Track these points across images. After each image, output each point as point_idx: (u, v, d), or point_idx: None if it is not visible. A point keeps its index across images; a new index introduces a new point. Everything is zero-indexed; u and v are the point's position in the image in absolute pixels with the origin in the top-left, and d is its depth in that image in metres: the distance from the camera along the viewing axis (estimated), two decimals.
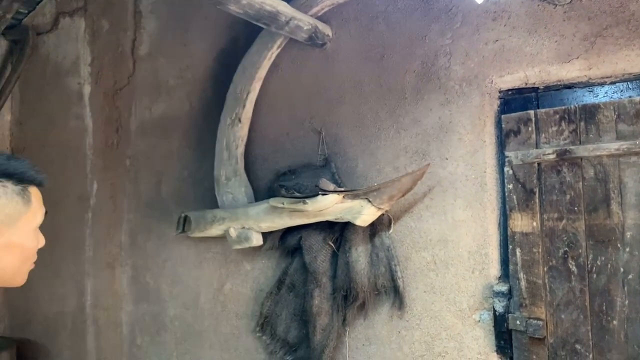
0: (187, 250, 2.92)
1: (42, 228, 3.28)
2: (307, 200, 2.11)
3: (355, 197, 2.08)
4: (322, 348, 2.28)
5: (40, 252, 3.61)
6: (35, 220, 1.16)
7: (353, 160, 2.39)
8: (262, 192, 2.62)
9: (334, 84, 2.48)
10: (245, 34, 2.73)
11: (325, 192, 2.09)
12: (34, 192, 1.14)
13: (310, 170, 2.47)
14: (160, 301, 3.02)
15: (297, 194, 2.31)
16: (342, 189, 2.15)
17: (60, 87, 3.66)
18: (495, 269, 2.04)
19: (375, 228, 2.26)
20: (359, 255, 2.24)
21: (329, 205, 2.11)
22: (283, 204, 2.21)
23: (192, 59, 2.99)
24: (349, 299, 2.25)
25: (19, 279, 1.11)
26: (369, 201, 2.05)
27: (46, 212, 1.25)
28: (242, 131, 2.63)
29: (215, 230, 2.59)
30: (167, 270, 3.00)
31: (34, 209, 1.13)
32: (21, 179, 1.06)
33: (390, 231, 2.25)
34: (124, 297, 3.18)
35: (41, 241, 1.23)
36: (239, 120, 2.62)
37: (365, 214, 2.08)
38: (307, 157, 2.53)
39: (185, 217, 2.77)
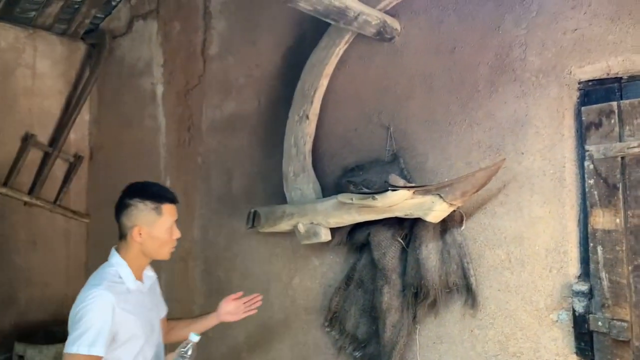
0: (257, 245, 2.98)
1: None
2: (377, 196, 2.10)
3: (426, 193, 2.05)
4: (392, 345, 2.27)
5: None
6: (165, 224, 1.89)
7: (422, 156, 2.35)
8: (329, 188, 2.62)
9: (402, 79, 2.45)
10: (312, 31, 2.74)
11: (395, 187, 2.07)
12: (166, 207, 1.89)
13: (378, 166, 2.45)
14: (231, 295, 3.09)
15: (366, 190, 2.31)
16: (412, 185, 2.13)
17: (135, 87, 3.83)
18: (574, 268, 1.96)
19: (447, 224, 2.21)
20: (430, 252, 2.20)
21: (399, 201, 2.09)
22: (352, 199, 2.21)
23: (261, 58, 3.04)
24: (420, 296, 2.22)
25: (162, 256, 1.95)
26: (441, 197, 2.01)
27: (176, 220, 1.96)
28: (310, 128, 2.65)
29: (284, 226, 2.62)
30: (238, 265, 3.08)
31: (164, 217, 1.88)
32: (156, 200, 1.87)
33: (462, 228, 2.20)
34: (196, 291, 3.29)
35: (176, 234, 1.96)
36: (307, 117, 2.64)
37: (436, 210, 2.04)
38: (375, 153, 2.51)
39: (255, 213, 2.83)
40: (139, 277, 1.93)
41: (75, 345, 1.66)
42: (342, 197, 2.26)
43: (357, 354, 2.47)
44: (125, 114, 3.90)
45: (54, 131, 3.95)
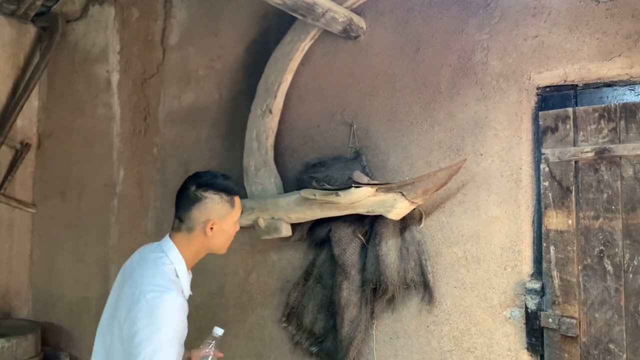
0: None
1: (69, 214, 3.40)
2: (340, 193, 2.12)
3: (389, 190, 2.08)
4: (350, 340, 2.29)
5: (65, 237, 3.69)
6: (236, 217, 1.74)
7: (384, 154, 2.38)
8: (290, 183, 2.62)
9: (366, 77, 2.47)
10: (277, 25, 2.73)
11: (358, 184, 2.09)
12: (237, 199, 1.74)
13: (340, 163, 2.47)
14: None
15: (329, 186, 2.32)
16: (376, 182, 2.15)
17: (88, 74, 3.70)
18: (527, 266, 2.03)
19: (406, 222, 2.25)
20: (389, 249, 2.24)
21: (362, 198, 2.11)
22: (315, 195, 2.22)
23: (223, 49, 3.00)
24: (378, 292, 2.25)
25: (223, 250, 1.79)
26: (403, 195, 2.05)
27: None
28: (273, 122, 2.64)
29: (244, 220, 2.59)
30: None
31: (236, 210, 1.73)
32: (230, 192, 1.71)
33: (421, 226, 2.25)
34: None
35: (237, 228, 1.78)
36: (270, 112, 2.62)
37: (398, 207, 2.08)
38: (337, 150, 2.53)
39: None
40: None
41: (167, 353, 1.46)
42: (305, 193, 2.26)
43: (313, 349, 2.48)
44: (76, 101, 3.76)
45: None
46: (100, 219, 3.50)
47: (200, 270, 2.95)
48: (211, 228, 1.66)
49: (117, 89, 3.50)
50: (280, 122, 2.67)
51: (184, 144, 3.14)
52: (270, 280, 2.70)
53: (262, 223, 2.51)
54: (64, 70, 3.85)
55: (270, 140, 2.63)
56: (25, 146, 3.85)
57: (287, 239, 2.56)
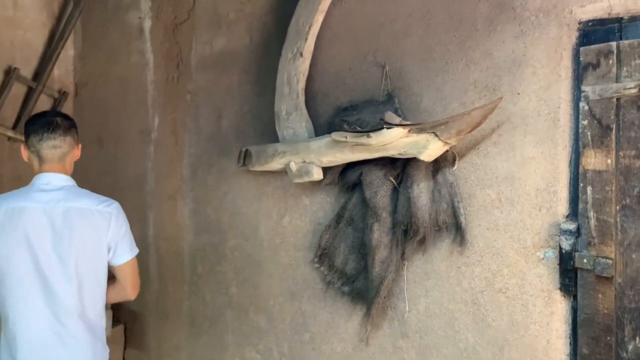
0: (247, 183, 2.98)
1: (105, 161, 3.53)
2: (371, 134, 2.10)
3: (422, 131, 2.05)
4: (380, 280, 2.32)
5: (102, 184, 3.83)
6: None
7: (417, 96, 2.34)
8: (322, 127, 2.61)
9: (399, 16, 2.40)
10: None
11: (390, 125, 2.07)
12: None
13: (372, 105, 2.44)
14: (220, 232, 3.12)
15: (359, 129, 2.30)
16: (408, 123, 2.12)
17: (121, 22, 3.70)
18: (563, 207, 2.00)
19: (439, 164, 2.23)
20: (421, 191, 2.23)
21: (394, 139, 2.09)
22: (346, 137, 2.21)
23: None
24: (409, 234, 2.26)
25: None
26: (436, 135, 2.02)
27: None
28: (304, 65, 2.61)
29: (276, 164, 2.62)
30: (227, 203, 3.08)
31: None
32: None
33: (454, 168, 2.22)
34: (185, 229, 3.30)
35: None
36: (301, 55, 2.59)
37: (431, 148, 2.05)
38: (369, 93, 2.49)
39: (246, 151, 2.82)
40: None
41: (135, 249, 2.16)
42: (336, 136, 2.25)
43: (345, 288, 2.53)
44: (111, 49, 3.79)
45: (37, 65, 3.82)
46: (137, 165, 3.58)
47: (235, 214, 3.03)
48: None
49: (150, 35, 3.50)
50: (311, 65, 2.64)
51: (216, 90, 3.15)
52: (303, 223, 2.74)
53: (293, 167, 2.52)
54: (98, 18, 3.87)
55: (301, 84, 2.61)
56: (63, 95, 3.92)
57: (318, 182, 2.57)
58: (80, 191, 2.05)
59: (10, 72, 3.63)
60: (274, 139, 2.74)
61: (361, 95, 2.51)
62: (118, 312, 3.57)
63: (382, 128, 2.07)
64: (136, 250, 2.14)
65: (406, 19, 2.38)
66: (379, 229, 2.33)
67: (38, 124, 2.02)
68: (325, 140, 2.38)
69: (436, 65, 2.29)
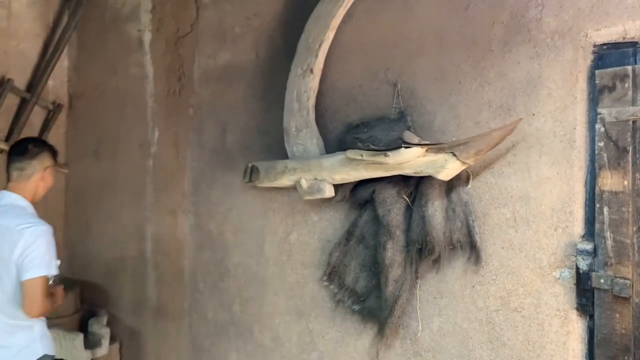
0: (253, 199, 2.95)
1: (103, 175, 3.55)
2: (389, 153, 2.10)
3: (440, 150, 2.06)
4: (394, 299, 2.31)
5: (99, 198, 3.88)
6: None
7: (430, 115, 2.35)
8: (331, 144, 2.60)
9: (412, 35, 2.42)
10: None
11: (408, 145, 2.07)
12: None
13: (384, 123, 2.43)
14: (223, 249, 3.08)
15: (374, 147, 2.30)
16: (427, 142, 2.13)
17: (119, 34, 3.66)
18: (579, 228, 2.02)
19: (453, 183, 2.24)
20: (436, 210, 2.23)
21: (411, 159, 2.09)
22: (362, 156, 2.20)
23: (259, 7, 2.94)
24: (424, 253, 2.26)
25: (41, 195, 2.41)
26: (454, 155, 2.03)
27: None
28: (314, 82, 2.60)
29: (286, 181, 2.60)
30: (231, 219, 3.05)
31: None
32: (55, 151, 2.45)
33: (469, 187, 2.24)
34: (187, 244, 3.25)
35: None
36: (311, 71, 2.58)
37: (448, 168, 2.06)
38: (381, 111, 2.50)
39: (253, 167, 2.80)
40: None
41: (48, 269, 2.19)
42: (351, 154, 2.25)
43: (356, 307, 2.52)
44: (107, 61, 3.74)
45: (31, 76, 3.75)
46: (135, 179, 3.53)
47: (240, 230, 3.00)
48: (43, 178, 2.34)
49: (150, 48, 3.47)
50: (321, 82, 2.63)
51: (221, 105, 3.12)
52: (311, 240, 2.72)
53: (304, 184, 2.51)
54: (94, 29, 3.82)
55: (312, 101, 2.60)
56: (58, 107, 3.85)
57: (328, 199, 2.56)
58: (17, 211, 2.27)
59: (3, 82, 3.56)
60: (281, 154, 2.73)
61: (372, 113, 2.52)
62: (113, 330, 3.49)
63: (400, 147, 2.07)
64: (43, 273, 2.18)
65: (419, 38, 2.39)
66: (393, 247, 2.32)
67: (14, 147, 2.40)
68: (338, 157, 2.37)
69: (449, 85, 2.30)
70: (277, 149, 2.81)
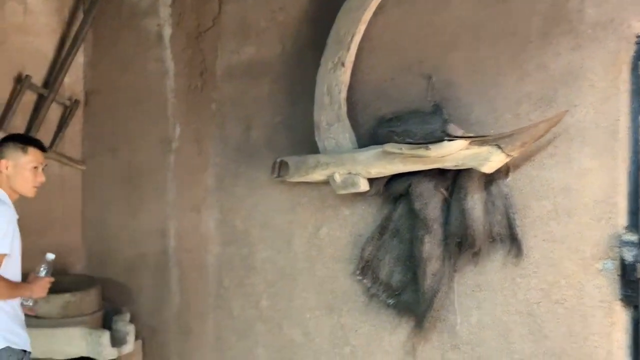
0: (280, 194, 2.93)
1: (120, 171, 3.80)
2: (430, 146, 2.09)
3: (484, 143, 2.05)
4: (433, 293, 2.31)
5: (117, 194, 3.83)
6: (28, 162, 2.27)
7: (467, 107, 2.34)
8: (363, 138, 2.58)
9: (447, 28, 2.41)
10: None
11: (451, 137, 2.06)
12: (31, 149, 2.29)
13: (418, 116, 2.42)
14: (249, 244, 3.06)
15: (409, 140, 2.29)
16: (471, 135, 2.12)
17: (136, 29, 3.62)
18: (622, 219, 2.02)
19: (492, 176, 2.22)
20: (475, 203, 2.23)
21: (453, 152, 2.08)
22: (401, 149, 2.19)
23: (286, 0, 2.92)
24: (464, 246, 2.26)
25: (27, 192, 2.34)
26: (499, 147, 2.02)
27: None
28: (345, 76, 2.59)
29: (318, 176, 2.59)
30: (257, 214, 3.03)
31: (29, 156, 2.27)
32: (23, 141, 2.32)
33: (508, 179, 2.23)
34: (211, 240, 3.23)
35: (38, 176, 2.33)
36: (342, 64, 2.57)
37: (493, 160, 2.05)
38: (414, 104, 2.48)
39: (281, 162, 2.78)
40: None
41: None
42: (390, 147, 2.23)
43: (390, 301, 2.51)
44: (125, 56, 3.70)
45: (47, 73, 3.70)
46: (156, 175, 3.49)
47: (266, 225, 2.98)
48: (6, 167, 2.23)
49: (170, 43, 3.43)
50: (351, 75, 2.62)
51: (245, 100, 3.10)
52: (342, 235, 2.71)
53: (338, 178, 2.49)
54: (110, 25, 3.77)
55: (343, 94, 2.59)
56: (75, 103, 3.81)
57: (360, 193, 2.55)
58: None
59: (21, 79, 3.51)
60: (309, 149, 2.71)
61: (405, 106, 2.50)
62: (135, 327, 3.46)
63: (442, 140, 2.06)
64: None
65: (454, 30, 2.38)
66: (430, 240, 2.31)
67: None
68: (373, 151, 2.36)
69: (487, 77, 2.29)
70: (304, 143, 2.79)
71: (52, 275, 3.53)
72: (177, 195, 3.39)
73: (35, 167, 2.30)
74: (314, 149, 2.69)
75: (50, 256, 2.37)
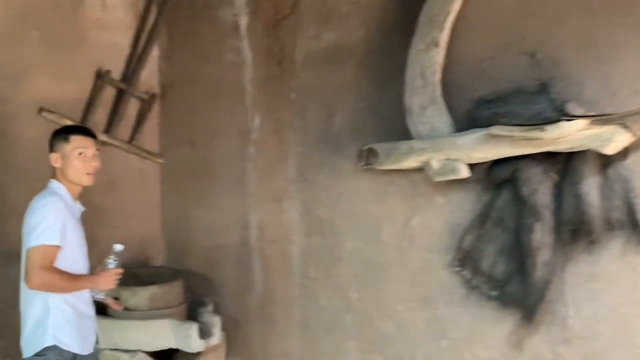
0: (366, 183, 2.85)
1: (199, 163, 3.77)
2: (546, 127, 1.95)
3: (607, 122, 1.90)
4: (544, 284, 2.18)
5: (195, 187, 3.78)
6: (73, 150, 2.20)
7: (578, 85, 2.18)
8: (458, 122, 2.46)
9: (552, 1, 2.25)
10: None
11: (570, 117, 1.92)
12: (73, 137, 2.23)
13: (522, 96, 2.28)
14: (335, 234, 3.00)
15: (515, 122, 2.16)
16: (593, 114, 1.97)
17: (212, 19, 3.60)
18: None
19: (608, 158, 2.07)
20: (591, 188, 2.09)
21: (571, 132, 1.94)
22: (511, 131, 2.06)
23: None
24: (579, 234, 2.12)
25: (83, 180, 2.25)
26: (625, 127, 1.86)
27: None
28: (439, 56, 2.47)
29: (411, 162, 2.49)
30: (342, 204, 2.96)
31: (72, 144, 2.21)
32: (64, 132, 2.28)
33: (628, 161, 2.07)
34: (294, 230, 3.18)
35: (88, 161, 2.24)
36: (436, 45, 2.45)
37: (616, 141, 1.90)
38: (516, 83, 2.34)
39: (369, 150, 2.69)
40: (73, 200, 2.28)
41: (40, 239, 2.04)
42: (498, 130, 2.11)
43: (493, 293, 2.40)
44: (200, 48, 3.69)
45: (125, 67, 3.74)
46: (235, 166, 3.48)
47: (352, 215, 2.90)
48: (56, 161, 2.21)
49: (247, 33, 3.39)
50: (445, 56, 2.50)
51: (326, 87, 3.02)
52: (437, 224, 2.60)
53: (435, 164, 2.39)
54: (184, 17, 3.77)
55: (438, 76, 2.47)
56: (152, 96, 3.84)
57: (457, 181, 2.43)
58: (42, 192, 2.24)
59: (101, 74, 3.56)
60: (397, 135, 2.61)
61: (505, 87, 2.36)
62: None
63: (559, 120, 1.92)
64: (35, 243, 2.06)
65: (560, 3, 2.23)
66: (541, 228, 2.18)
67: None
68: (476, 134, 2.24)
69: (600, 52, 2.13)
70: (391, 129, 2.70)
71: (133, 268, 3.61)
72: (258, 186, 3.36)
73: (81, 153, 2.21)
74: (402, 135, 2.59)
75: (119, 247, 2.26)
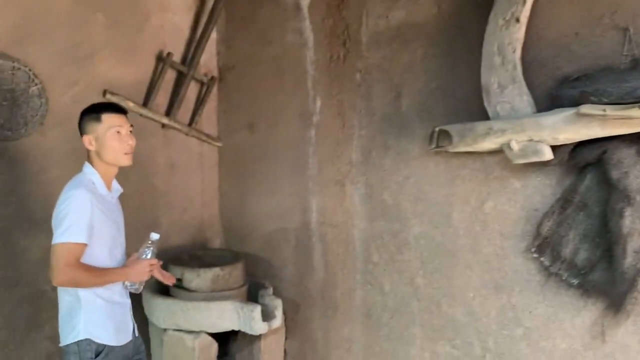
0: (435, 167, 2.76)
1: (258, 147, 3.78)
2: None
3: None
4: (635, 272, 2.06)
5: (254, 170, 3.79)
6: (106, 129, 2.12)
7: None
8: (538, 101, 2.34)
9: None
10: None
11: None
12: (105, 115, 2.13)
13: (612, 74, 2.14)
14: (400, 219, 2.92)
15: (605, 101, 2.03)
16: None
17: (272, 1, 3.55)
18: None
19: None
20: None
21: None
22: (604, 110, 1.94)
23: None
24: None
25: (121, 161, 2.18)
26: None
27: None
28: (520, 32, 2.34)
29: (489, 144, 2.38)
30: (409, 188, 2.88)
31: (104, 123, 2.12)
32: (94, 111, 2.16)
33: None
34: (356, 215, 3.13)
35: (124, 139, 2.16)
36: (517, 20, 2.33)
37: None
38: (605, 60, 2.20)
39: (440, 132, 2.60)
40: (108, 186, 2.21)
41: (65, 235, 1.97)
42: (589, 109, 1.99)
43: (574, 281, 2.28)
44: (259, 30, 3.65)
45: (185, 50, 3.75)
46: (296, 150, 3.44)
47: (420, 200, 2.82)
48: (90, 143, 2.12)
49: (309, 13, 3.33)
50: (525, 32, 2.37)
51: (393, 67, 2.93)
52: (512, 209, 2.50)
53: (515, 146, 2.28)
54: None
55: (518, 53, 2.35)
56: (212, 79, 3.83)
57: (534, 164, 2.33)
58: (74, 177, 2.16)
59: (162, 57, 3.56)
60: (471, 116, 2.52)
61: (592, 63, 2.23)
62: None
63: None
64: (60, 240, 1.97)
65: None
66: (632, 214, 2.06)
67: None
68: (563, 114, 2.12)
69: None
70: (464, 110, 2.61)
71: (194, 250, 3.62)
72: (319, 170, 3.31)
73: (118, 132, 2.11)
74: (475, 116, 2.49)
75: (155, 236, 2.18)
